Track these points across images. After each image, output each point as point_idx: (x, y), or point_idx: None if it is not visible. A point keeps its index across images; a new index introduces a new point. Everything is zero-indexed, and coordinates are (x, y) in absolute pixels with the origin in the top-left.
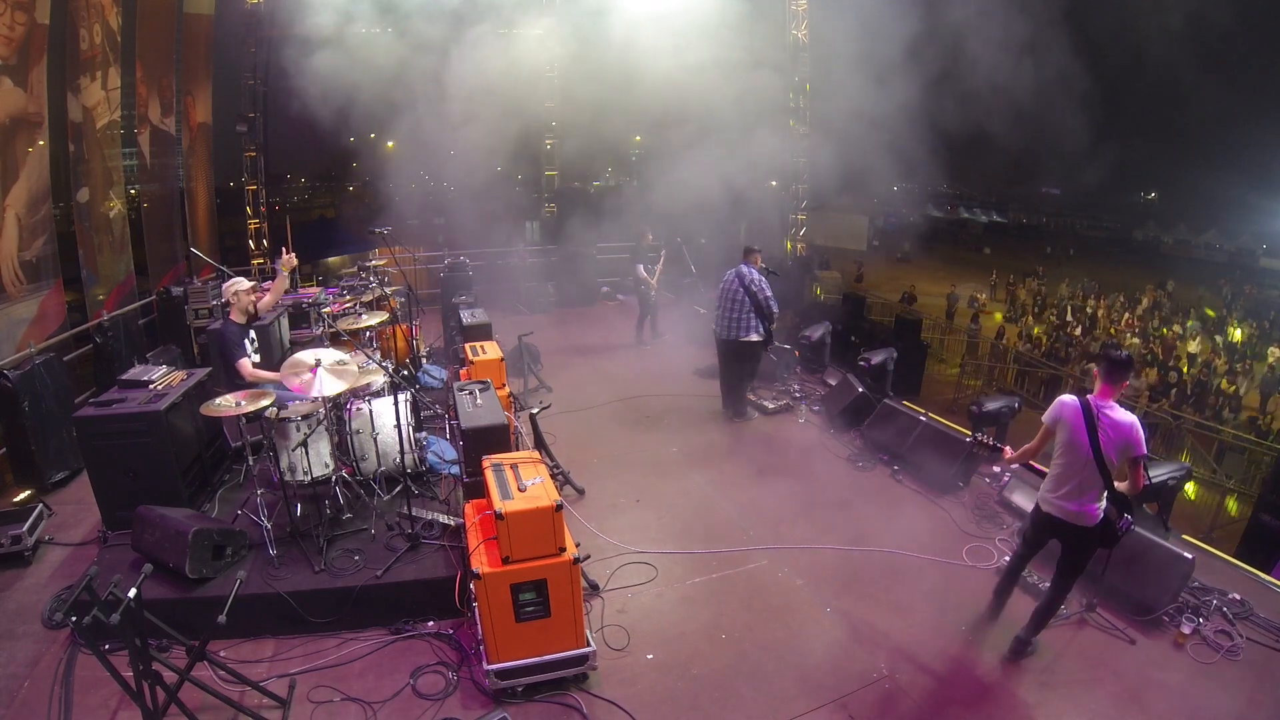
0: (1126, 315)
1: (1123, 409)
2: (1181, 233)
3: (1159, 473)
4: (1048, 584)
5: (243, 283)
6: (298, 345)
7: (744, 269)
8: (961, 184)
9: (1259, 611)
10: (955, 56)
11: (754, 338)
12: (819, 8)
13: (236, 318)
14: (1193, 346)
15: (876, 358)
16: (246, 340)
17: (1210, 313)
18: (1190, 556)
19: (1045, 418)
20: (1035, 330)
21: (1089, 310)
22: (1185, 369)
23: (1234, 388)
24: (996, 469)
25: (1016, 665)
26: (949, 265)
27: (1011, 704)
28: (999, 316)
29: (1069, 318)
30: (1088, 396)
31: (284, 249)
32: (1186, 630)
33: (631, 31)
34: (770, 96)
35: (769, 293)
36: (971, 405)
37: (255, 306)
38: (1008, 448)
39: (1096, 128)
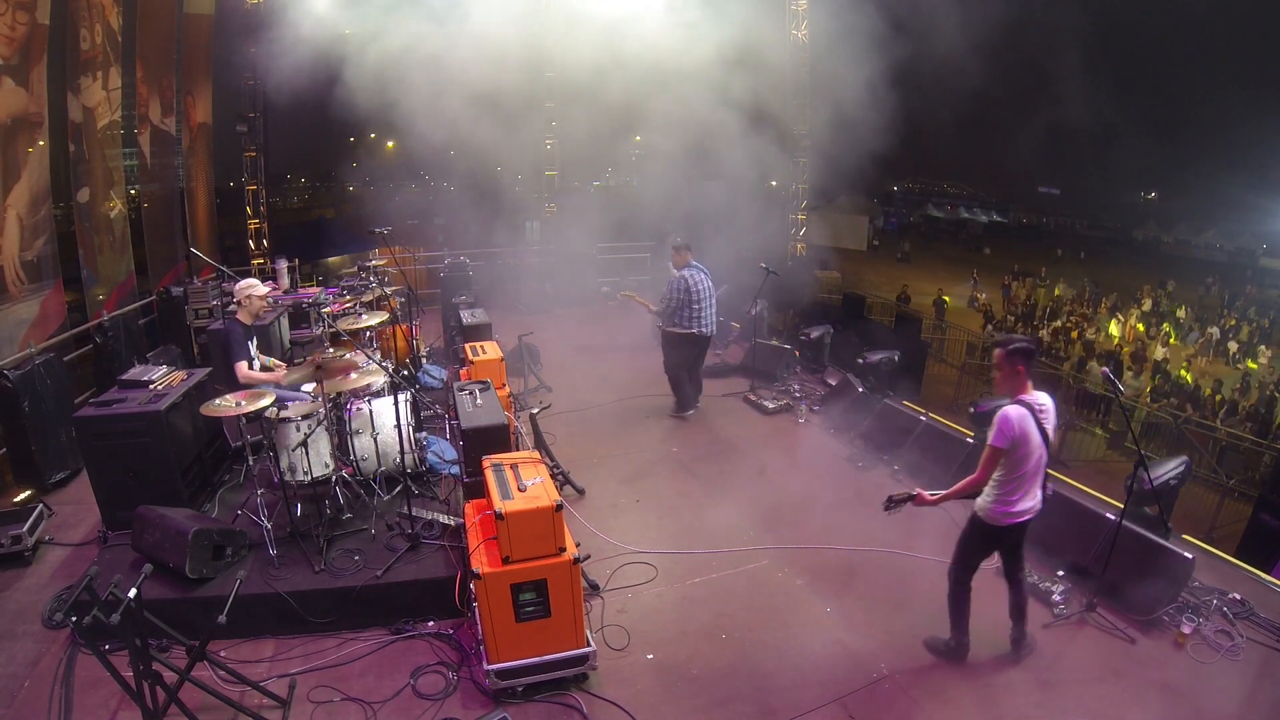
0: (1116, 319)
1: (1036, 390)
2: (1181, 233)
3: (1159, 472)
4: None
5: (260, 287)
6: (298, 345)
7: (696, 265)
8: (962, 183)
9: (1259, 611)
10: (955, 57)
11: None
12: (819, 8)
13: (244, 318)
14: (1159, 353)
15: (874, 357)
16: (250, 342)
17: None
18: (1190, 556)
19: (1001, 442)
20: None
21: (1080, 317)
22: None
23: (1218, 395)
24: None
25: (1017, 665)
26: (950, 265)
27: (1012, 703)
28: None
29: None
30: (1024, 399)
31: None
32: (1186, 630)
33: (631, 31)
34: (770, 96)
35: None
36: (970, 406)
37: (263, 314)
38: (921, 492)
39: (1098, 127)
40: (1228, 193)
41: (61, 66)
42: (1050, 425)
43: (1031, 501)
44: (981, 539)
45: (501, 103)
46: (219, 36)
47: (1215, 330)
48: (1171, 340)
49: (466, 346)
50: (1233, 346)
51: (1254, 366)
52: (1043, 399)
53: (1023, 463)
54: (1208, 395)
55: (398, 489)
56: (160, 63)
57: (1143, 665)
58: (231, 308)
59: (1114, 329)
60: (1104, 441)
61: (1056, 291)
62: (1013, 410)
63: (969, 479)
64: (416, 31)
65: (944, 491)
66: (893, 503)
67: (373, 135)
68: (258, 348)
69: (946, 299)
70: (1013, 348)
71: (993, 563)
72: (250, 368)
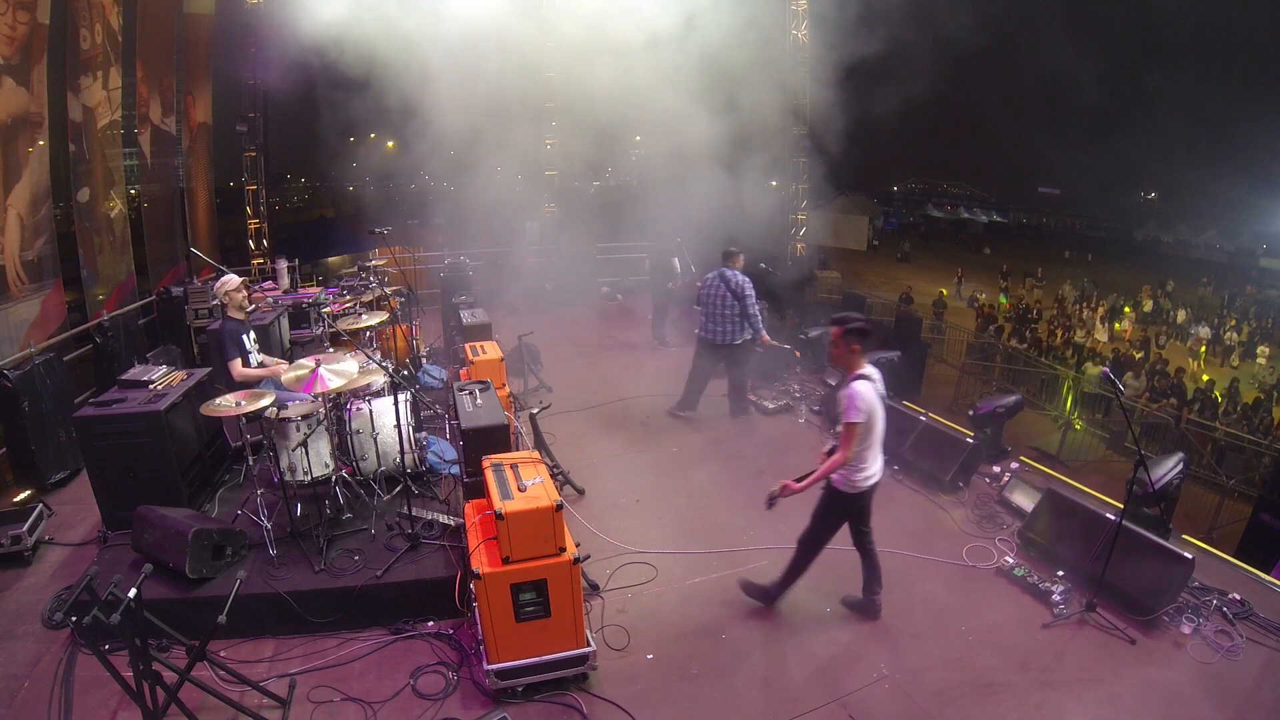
0: (1101, 324)
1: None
2: (1181, 233)
3: (1159, 472)
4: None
5: (232, 280)
6: (298, 345)
7: (726, 272)
8: (962, 183)
9: (1259, 611)
10: (954, 56)
11: (742, 340)
12: (819, 7)
13: (234, 314)
14: (1138, 353)
15: (872, 357)
16: (245, 336)
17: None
18: (1190, 556)
19: (859, 417)
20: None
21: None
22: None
23: (1200, 386)
24: (997, 468)
25: (1018, 665)
26: (950, 265)
27: (1011, 703)
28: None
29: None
30: (863, 373)
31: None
32: (1186, 630)
33: (628, 29)
34: (770, 96)
35: (753, 296)
36: (969, 410)
37: (250, 301)
38: (787, 483)
39: (1097, 127)
40: (1228, 193)
41: (62, 66)
42: (883, 392)
43: (879, 464)
44: (842, 509)
45: (502, 101)
46: (219, 36)
47: (1207, 330)
48: (1162, 340)
49: (466, 346)
50: (1230, 337)
51: (1205, 378)
52: (874, 371)
53: (873, 431)
54: (1199, 393)
55: (398, 489)
56: (160, 63)
57: (1143, 665)
58: (224, 308)
59: (1100, 333)
60: (1104, 441)
61: (1063, 292)
62: (860, 386)
63: (834, 459)
64: (417, 31)
65: (811, 476)
66: (771, 500)
67: (373, 135)
68: (258, 347)
69: (944, 291)
70: (849, 327)
71: (991, 562)
72: (247, 364)
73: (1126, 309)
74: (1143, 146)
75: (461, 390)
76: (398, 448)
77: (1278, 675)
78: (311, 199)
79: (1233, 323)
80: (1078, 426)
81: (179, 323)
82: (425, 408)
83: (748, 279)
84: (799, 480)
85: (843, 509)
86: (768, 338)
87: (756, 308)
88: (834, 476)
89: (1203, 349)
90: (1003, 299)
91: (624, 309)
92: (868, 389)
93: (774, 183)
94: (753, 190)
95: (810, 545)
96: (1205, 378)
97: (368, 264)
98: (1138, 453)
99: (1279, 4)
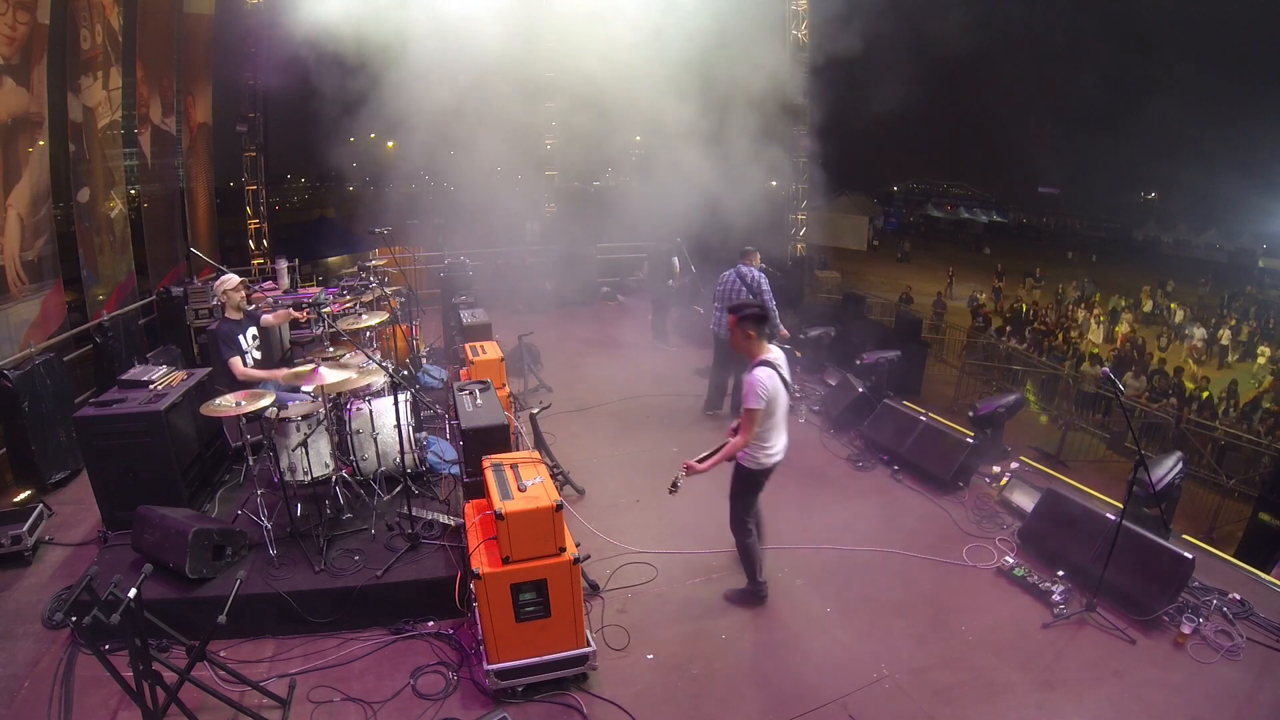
0: (1096, 323)
1: (771, 346)
2: (1181, 233)
3: (1159, 472)
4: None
5: (231, 279)
6: (297, 345)
7: (743, 269)
8: (962, 183)
9: (1259, 611)
10: (954, 55)
11: None
12: (819, 7)
13: (231, 315)
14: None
15: (874, 357)
16: (242, 337)
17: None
18: (1190, 556)
19: (757, 404)
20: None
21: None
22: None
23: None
24: (996, 468)
25: (1017, 665)
26: (949, 265)
27: (1012, 703)
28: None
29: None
30: (764, 359)
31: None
32: (1186, 630)
33: (628, 29)
34: (770, 96)
35: (769, 292)
36: (970, 410)
37: (249, 301)
38: (689, 463)
39: (1097, 127)
40: (1228, 193)
41: (62, 66)
42: (788, 374)
43: (784, 441)
44: (751, 485)
45: (502, 101)
46: (219, 36)
47: (1202, 331)
48: (1164, 341)
49: (466, 346)
50: (1224, 334)
51: (1190, 382)
52: (777, 354)
53: (775, 413)
54: (1198, 395)
55: (398, 489)
56: (160, 63)
57: (1143, 665)
58: (222, 308)
59: (1095, 334)
60: (1104, 441)
61: (1064, 290)
62: (760, 372)
63: (735, 442)
64: (416, 27)
65: (714, 457)
66: (674, 486)
67: (373, 135)
68: (257, 343)
69: (942, 291)
70: (743, 315)
71: (991, 562)
72: (245, 363)
73: (1127, 302)
74: (1143, 146)
75: (461, 390)
76: (398, 448)
77: (1278, 675)
78: (311, 199)
79: (1233, 322)
80: (1042, 420)
81: (179, 323)
82: (425, 408)
83: (764, 276)
84: (701, 460)
85: (752, 484)
86: (785, 331)
87: (774, 303)
88: (740, 455)
89: (1185, 353)
90: (1021, 301)
91: (624, 309)
92: (768, 375)
93: (774, 183)
94: (752, 190)
95: (740, 526)
96: (1189, 382)
97: (368, 264)
98: (1138, 452)
99: (1278, 2)
